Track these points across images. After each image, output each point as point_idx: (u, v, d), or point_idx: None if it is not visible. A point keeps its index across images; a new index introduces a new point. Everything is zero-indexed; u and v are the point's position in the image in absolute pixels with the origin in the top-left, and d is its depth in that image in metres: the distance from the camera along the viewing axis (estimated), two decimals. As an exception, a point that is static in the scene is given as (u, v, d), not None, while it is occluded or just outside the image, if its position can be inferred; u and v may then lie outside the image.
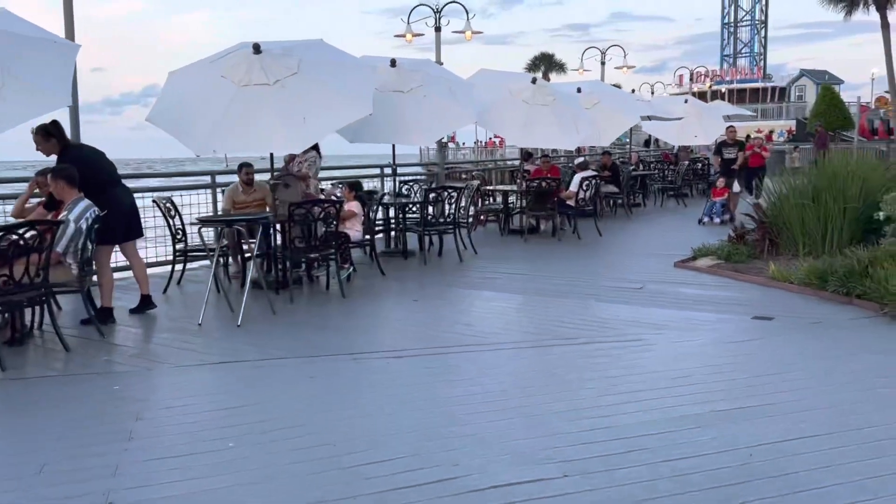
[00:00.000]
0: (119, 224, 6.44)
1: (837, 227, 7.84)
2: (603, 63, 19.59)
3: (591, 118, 13.83)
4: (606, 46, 19.85)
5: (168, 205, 8.06)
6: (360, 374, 5.00)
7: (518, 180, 12.53)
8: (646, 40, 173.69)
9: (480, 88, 11.96)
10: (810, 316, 6.29)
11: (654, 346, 5.55)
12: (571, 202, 11.87)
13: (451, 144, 57.36)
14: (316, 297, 7.75)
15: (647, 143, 29.32)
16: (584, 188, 11.80)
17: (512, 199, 12.87)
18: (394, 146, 10.05)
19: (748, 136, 22.15)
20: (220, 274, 8.29)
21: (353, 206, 8.28)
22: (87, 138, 7.65)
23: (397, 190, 11.15)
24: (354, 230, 8.25)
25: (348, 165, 12.89)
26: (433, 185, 10.95)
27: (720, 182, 13.51)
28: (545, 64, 55.50)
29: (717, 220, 13.01)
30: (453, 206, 9.58)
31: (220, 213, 8.53)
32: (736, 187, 13.54)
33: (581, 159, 13.23)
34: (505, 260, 9.84)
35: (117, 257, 7.77)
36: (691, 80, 39.59)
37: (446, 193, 9.45)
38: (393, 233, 10.38)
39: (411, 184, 11.31)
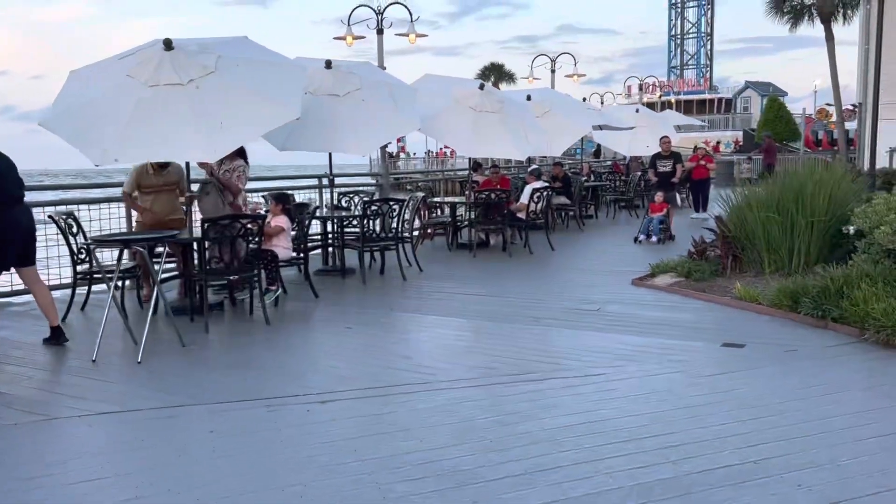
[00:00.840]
0: (13, 248, 5.60)
1: (805, 243, 7.33)
2: (553, 71, 19.13)
3: (541, 127, 13.29)
4: (556, 55, 19.49)
5: (69, 221, 7.11)
6: (273, 428, 4.18)
7: (466, 192, 11.83)
8: (593, 53, 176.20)
9: (425, 95, 11.27)
10: (784, 342, 5.71)
11: (619, 382, 4.87)
12: (522, 215, 11.22)
13: (401, 154, 56.70)
14: (236, 325, 6.88)
15: (596, 153, 29.13)
16: (536, 200, 11.17)
17: (460, 211, 12.17)
18: (330, 155, 9.25)
19: (695, 147, 21.99)
20: (126, 298, 7.37)
21: (280, 220, 7.44)
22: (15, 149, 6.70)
23: (336, 202, 10.35)
24: (282, 247, 7.41)
25: (282, 175, 12.00)
26: (375, 198, 10.16)
27: (658, 197, 12.31)
28: (495, 74, 55.28)
29: (654, 238, 11.65)
30: (396, 219, 8.81)
31: (124, 191, 7.43)
32: (677, 201, 13.25)
33: (534, 167, 12.62)
34: (452, 278, 9.11)
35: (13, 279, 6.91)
36: (640, 90, 39.71)
37: (387, 206, 8.67)
38: (331, 249, 9.56)
39: (352, 196, 10.50)
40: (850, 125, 35.96)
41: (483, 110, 10.96)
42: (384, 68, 12.26)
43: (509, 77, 54.22)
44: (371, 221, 8.75)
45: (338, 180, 11.29)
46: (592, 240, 12.84)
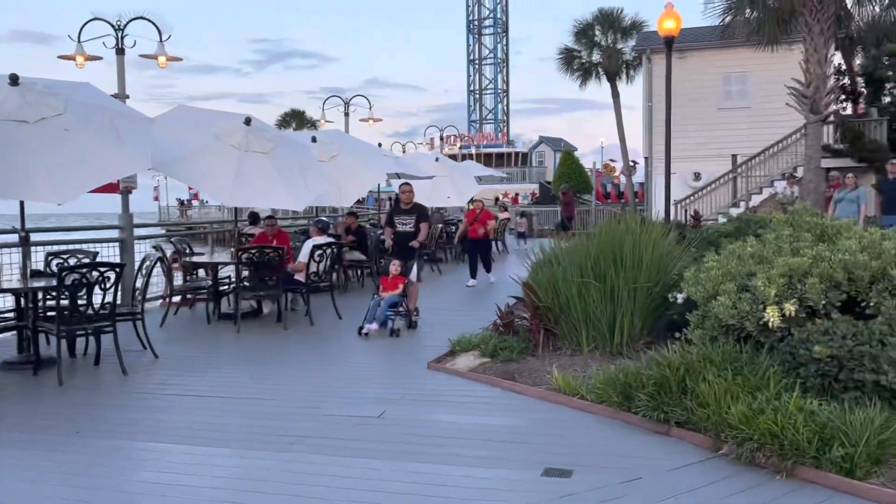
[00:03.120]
0: None
1: (628, 314, 6.08)
2: (346, 114, 17.48)
3: (328, 173, 11.51)
4: (349, 97, 17.87)
5: None
6: None
7: (232, 249, 9.67)
8: (399, 107, 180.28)
9: (178, 130, 9.10)
10: (622, 463, 4.21)
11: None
12: (301, 276, 9.24)
13: (194, 202, 52.29)
14: None
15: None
16: (318, 259, 9.25)
17: (226, 272, 9.95)
18: (22, 204, 6.74)
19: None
20: None
21: None
22: None
23: (46, 266, 7.74)
24: None
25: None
26: (82, 260, 7.67)
27: (394, 268, 8.66)
28: (296, 120, 53.15)
29: (387, 325, 8.30)
30: (112, 288, 6.44)
31: None
32: (414, 275, 8.89)
33: (319, 219, 10.65)
34: (199, 367, 6.86)
35: None
36: (442, 141, 39.66)
37: (96, 273, 6.27)
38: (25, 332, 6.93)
39: (68, 257, 7.91)
40: (633, 179, 38.45)
41: (250, 150, 8.98)
42: (127, 97, 9.85)
43: (311, 124, 52.38)
44: (74, 293, 6.30)
45: (61, 235, 8.67)
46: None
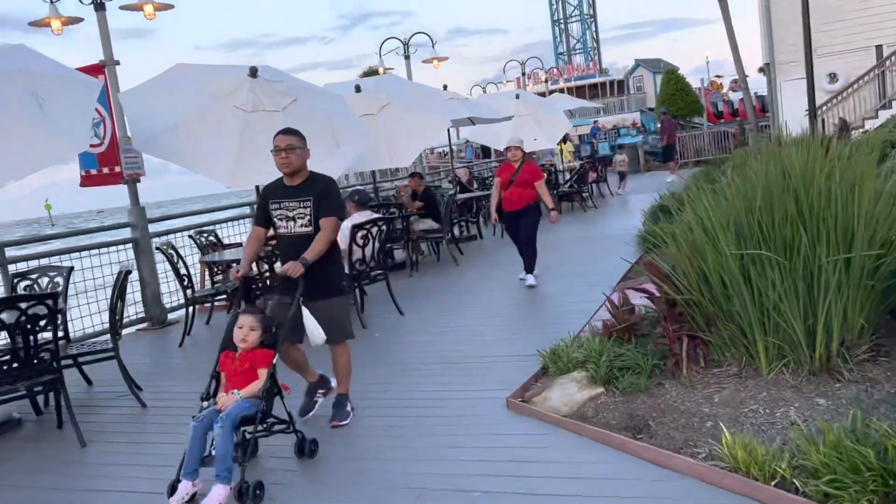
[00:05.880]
0: None
1: (838, 306, 3.52)
2: (407, 57, 15.09)
3: (377, 128, 9.27)
4: (409, 36, 15.30)
5: None
6: None
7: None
8: (485, 53, 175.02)
9: (169, 96, 7.13)
10: None
11: None
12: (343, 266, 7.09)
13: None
14: None
15: (486, 152, 25.46)
16: (361, 241, 7.07)
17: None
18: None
19: (565, 139, 18.11)
20: None
21: None
22: None
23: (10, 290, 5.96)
24: None
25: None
26: (54, 279, 5.77)
27: (241, 330, 3.87)
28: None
29: (231, 477, 3.54)
30: (52, 325, 4.49)
31: None
32: (318, 337, 3.91)
33: (356, 189, 8.32)
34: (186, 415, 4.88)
35: None
36: (524, 76, 36.51)
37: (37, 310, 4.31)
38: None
39: (35, 277, 6.08)
40: (736, 95, 33.82)
41: (258, 109, 6.88)
42: (117, 63, 7.91)
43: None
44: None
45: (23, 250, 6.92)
46: (467, 284, 8.80)
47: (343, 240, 7.01)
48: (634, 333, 4.51)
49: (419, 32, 15.93)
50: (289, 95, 7.12)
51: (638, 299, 4.72)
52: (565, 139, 19.36)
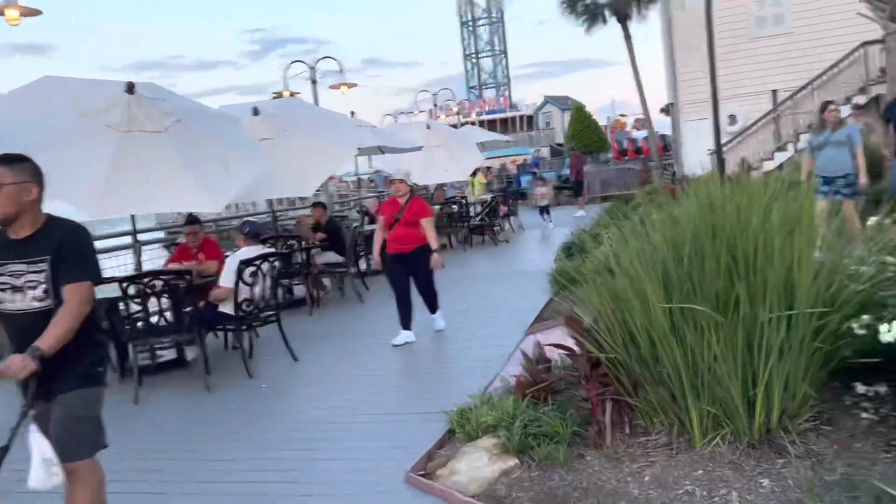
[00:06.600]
0: None
1: (780, 369, 3.12)
2: (314, 82, 14.41)
3: (275, 154, 8.56)
4: (316, 60, 14.57)
5: None
6: None
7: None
8: (400, 84, 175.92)
9: (33, 113, 6.27)
10: None
11: None
12: (228, 306, 6.32)
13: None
14: None
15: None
16: (249, 280, 6.32)
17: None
18: None
19: (475, 171, 17.71)
20: None
21: None
22: None
23: None
24: None
25: None
26: None
27: None
28: (285, 104, 49.91)
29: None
30: None
31: None
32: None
33: (246, 222, 7.50)
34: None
35: None
36: (435, 108, 36.50)
37: None
38: None
39: None
40: (640, 134, 34.83)
41: (134, 129, 6.09)
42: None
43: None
44: None
45: None
46: (371, 324, 8.11)
47: (227, 278, 6.27)
48: (551, 392, 4.01)
49: (326, 57, 15.27)
50: (172, 115, 6.37)
51: (555, 356, 4.23)
52: (475, 173, 19.11)
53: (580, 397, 3.74)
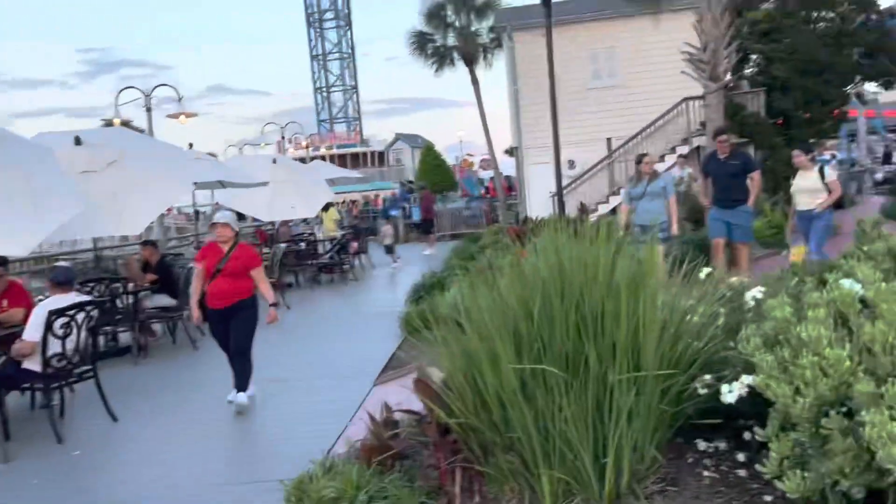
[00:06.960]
0: None
1: (629, 432, 3.07)
2: (149, 109, 13.43)
3: (97, 189, 7.80)
4: (153, 87, 13.60)
5: None
6: None
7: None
8: (247, 113, 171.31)
9: None
10: None
11: None
12: (35, 363, 5.53)
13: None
14: None
15: (240, 216, 23.79)
16: (61, 332, 5.57)
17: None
18: None
19: (328, 205, 17.40)
20: None
21: None
22: None
23: None
24: None
25: None
26: None
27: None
28: (120, 129, 46.81)
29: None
30: None
31: None
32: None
33: (60, 266, 6.69)
34: None
35: None
36: (283, 140, 35.68)
37: None
38: None
39: None
40: (486, 174, 36.07)
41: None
42: None
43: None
44: None
45: None
46: (203, 374, 7.47)
47: (33, 330, 5.50)
48: (399, 458, 3.74)
49: (163, 84, 14.36)
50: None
51: (406, 419, 3.98)
52: (327, 207, 18.62)
53: (428, 464, 3.51)
